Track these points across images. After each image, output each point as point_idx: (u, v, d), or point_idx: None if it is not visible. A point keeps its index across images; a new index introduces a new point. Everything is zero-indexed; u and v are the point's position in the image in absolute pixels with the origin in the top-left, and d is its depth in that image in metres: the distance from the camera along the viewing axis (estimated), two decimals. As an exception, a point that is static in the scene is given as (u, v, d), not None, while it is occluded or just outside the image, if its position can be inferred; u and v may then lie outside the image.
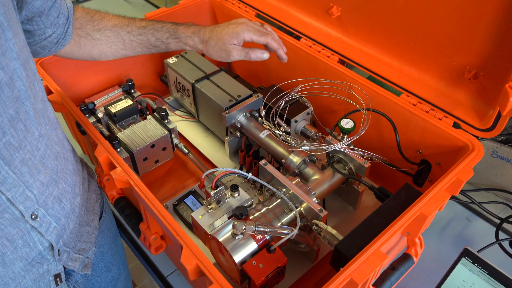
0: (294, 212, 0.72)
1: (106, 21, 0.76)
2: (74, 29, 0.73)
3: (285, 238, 0.65)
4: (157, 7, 1.87)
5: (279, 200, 0.74)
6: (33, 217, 0.55)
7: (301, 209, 0.72)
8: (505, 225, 0.89)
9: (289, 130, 0.89)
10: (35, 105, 0.54)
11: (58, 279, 0.64)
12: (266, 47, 0.80)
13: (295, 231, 0.65)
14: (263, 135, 0.88)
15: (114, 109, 0.93)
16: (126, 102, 0.95)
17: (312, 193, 0.75)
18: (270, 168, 0.76)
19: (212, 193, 0.68)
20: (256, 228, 0.64)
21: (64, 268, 0.65)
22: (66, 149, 0.66)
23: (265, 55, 0.78)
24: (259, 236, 0.66)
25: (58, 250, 0.62)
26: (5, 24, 0.47)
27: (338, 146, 0.79)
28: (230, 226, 0.66)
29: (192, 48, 0.79)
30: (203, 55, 1.08)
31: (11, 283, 0.58)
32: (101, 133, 0.86)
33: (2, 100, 0.47)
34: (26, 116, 0.52)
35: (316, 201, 0.72)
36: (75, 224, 0.66)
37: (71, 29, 0.73)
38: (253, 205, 0.73)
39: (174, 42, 0.78)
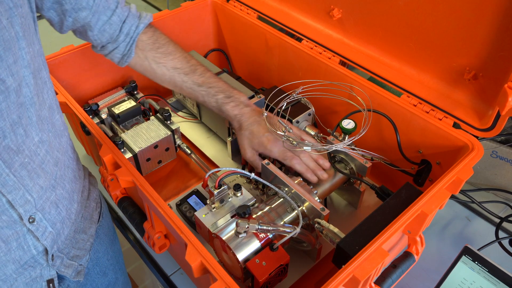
0: (296, 211, 0.73)
1: (169, 59, 0.80)
2: (136, 47, 0.79)
3: (288, 236, 0.66)
4: (159, 9, 1.88)
5: (282, 199, 0.75)
6: (30, 220, 0.56)
7: (303, 208, 0.73)
8: (505, 224, 0.90)
9: (291, 130, 0.90)
10: (39, 112, 0.55)
11: (51, 285, 0.64)
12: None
13: (298, 230, 0.66)
14: (265, 135, 0.89)
15: (117, 110, 0.93)
16: (129, 103, 0.96)
17: (314, 192, 0.75)
18: (272, 167, 0.77)
19: (215, 192, 0.69)
20: (259, 227, 0.64)
21: (57, 273, 0.65)
22: (69, 157, 0.66)
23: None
24: (262, 235, 0.67)
25: (52, 255, 0.62)
26: (20, 34, 0.49)
27: (340, 146, 0.80)
28: (233, 225, 0.67)
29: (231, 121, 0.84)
30: (205, 56, 1.09)
31: (2, 285, 0.58)
32: (105, 133, 0.86)
33: (7, 105, 0.48)
34: (28, 121, 0.53)
35: (318, 200, 0.73)
36: (70, 231, 0.66)
37: (134, 47, 0.78)
38: (256, 204, 0.74)
39: (218, 112, 0.84)
